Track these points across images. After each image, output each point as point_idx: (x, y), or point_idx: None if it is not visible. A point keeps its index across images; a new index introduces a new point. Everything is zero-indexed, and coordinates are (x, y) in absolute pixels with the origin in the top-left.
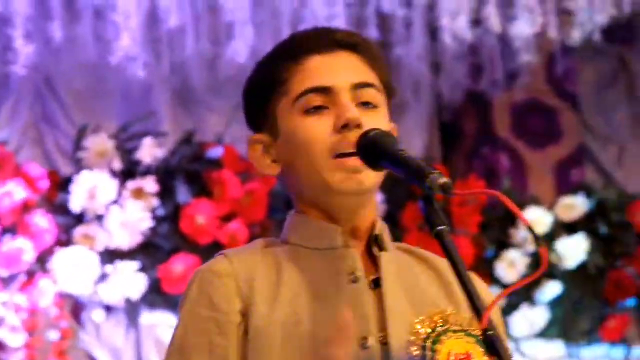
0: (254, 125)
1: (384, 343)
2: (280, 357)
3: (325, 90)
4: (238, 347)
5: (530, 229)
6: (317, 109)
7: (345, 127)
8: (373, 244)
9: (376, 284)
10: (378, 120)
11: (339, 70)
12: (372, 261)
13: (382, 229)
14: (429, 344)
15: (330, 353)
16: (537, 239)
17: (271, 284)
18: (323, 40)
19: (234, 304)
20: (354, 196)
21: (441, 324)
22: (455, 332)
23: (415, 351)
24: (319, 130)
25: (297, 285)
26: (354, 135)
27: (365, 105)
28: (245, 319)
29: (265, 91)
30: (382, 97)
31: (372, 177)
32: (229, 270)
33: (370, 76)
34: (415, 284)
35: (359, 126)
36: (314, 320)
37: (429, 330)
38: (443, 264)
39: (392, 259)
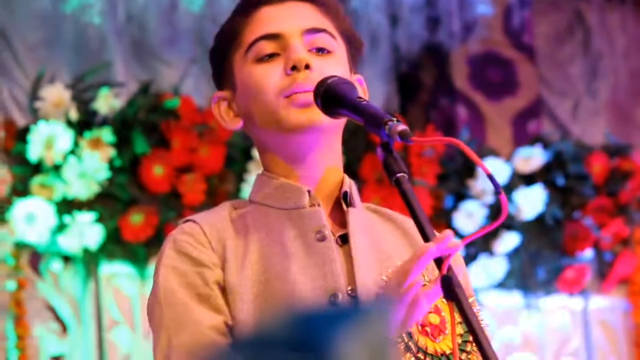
0: (218, 83)
1: (353, 296)
2: (252, 312)
3: (275, 37)
4: (224, 297)
5: (490, 176)
6: (269, 57)
7: (293, 68)
8: (342, 200)
9: (344, 240)
10: (332, 66)
11: (288, 17)
12: (341, 218)
13: (351, 186)
14: None
15: None
16: (497, 186)
17: (240, 244)
18: None
19: (213, 257)
20: (308, 134)
21: None
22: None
23: None
24: (269, 74)
25: (266, 244)
26: (303, 76)
27: (320, 50)
28: (222, 273)
29: (223, 48)
30: (337, 44)
31: (324, 115)
32: (199, 230)
33: (322, 22)
34: (383, 240)
35: (307, 67)
36: (284, 278)
37: None
38: (410, 223)
39: (360, 215)
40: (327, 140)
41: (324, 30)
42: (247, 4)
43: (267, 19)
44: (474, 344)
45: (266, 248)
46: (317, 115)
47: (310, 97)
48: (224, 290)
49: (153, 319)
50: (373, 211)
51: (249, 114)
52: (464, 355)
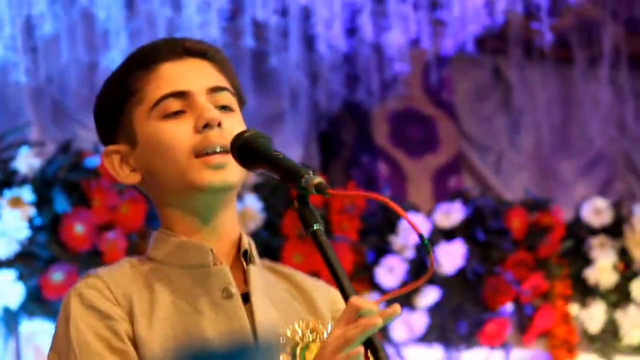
0: (107, 137)
1: None
2: None
3: (182, 95)
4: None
5: (420, 236)
6: (175, 114)
7: (206, 126)
8: (242, 258)
9: (245, 299)
10: (237, 123)
11: (192, 75)
12: (240, 276)
13: (250, 243)
14: (298, 351)
15: None
16: (426, 245)
17: (146, 300)
18: (173, 48)
19: (120, 311)
20: (218, 193)
21: (309, 334)
22: (322, 341)
23: (286, 359)
24: (179, 133)
25: (171, 303)
26: (215, 134)
27: (223, 108)
28: (131, 327)
29: (118, 102)
30: (236, 102)
31: (236, 174)
32: (103, 285)
33: (222, 80)
34: (281, 298)
35: (219, 125)
36: (194, 335)
37: (298, 339)
38: (303, 279)
39: (259, 273)
40: (232, 198)
41: (226, 89)
42: (145, 58)
43: (171, 76)
44: None
45: (172, 306)
46: (231, 176)
47: (224, 158)
48: (134, 343)
49: None
50: (269, 269)
51: (152, 170)
52: None
